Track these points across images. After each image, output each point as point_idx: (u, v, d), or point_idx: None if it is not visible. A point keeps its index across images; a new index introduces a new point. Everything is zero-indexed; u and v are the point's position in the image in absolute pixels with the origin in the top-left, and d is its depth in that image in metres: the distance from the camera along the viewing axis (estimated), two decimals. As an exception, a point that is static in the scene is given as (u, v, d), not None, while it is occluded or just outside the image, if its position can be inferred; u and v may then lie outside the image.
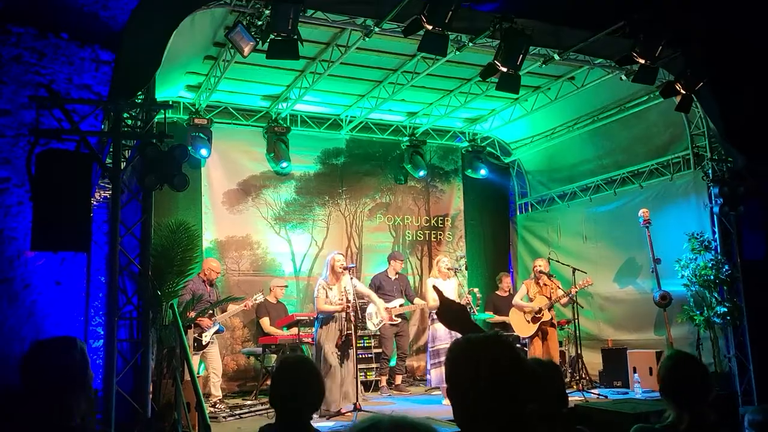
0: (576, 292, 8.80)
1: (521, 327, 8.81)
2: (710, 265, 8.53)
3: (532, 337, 8.77)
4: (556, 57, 8.10)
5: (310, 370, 2.73)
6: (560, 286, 8.93)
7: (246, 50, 6.82)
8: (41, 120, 5.67)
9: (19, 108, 5.87)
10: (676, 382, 2.81)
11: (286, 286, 9.64)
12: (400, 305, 9.31)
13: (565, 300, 8.92)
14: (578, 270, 8.98)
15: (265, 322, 8.98)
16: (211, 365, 8.11)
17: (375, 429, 1.20)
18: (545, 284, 8.92)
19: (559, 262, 9.35)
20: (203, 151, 9.39)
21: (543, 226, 11.88)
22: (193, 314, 7.27)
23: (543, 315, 8.71)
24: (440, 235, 11.73)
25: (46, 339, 2.44)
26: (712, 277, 8.49)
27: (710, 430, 2.74)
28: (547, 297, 8.80)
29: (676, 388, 2.80)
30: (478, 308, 8.87)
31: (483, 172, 11.58)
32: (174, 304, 6.34)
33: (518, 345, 9.21)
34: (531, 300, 8.82)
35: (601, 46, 7.98)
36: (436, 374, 8.03)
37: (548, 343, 8.78)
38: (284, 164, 10.14)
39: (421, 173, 11.13)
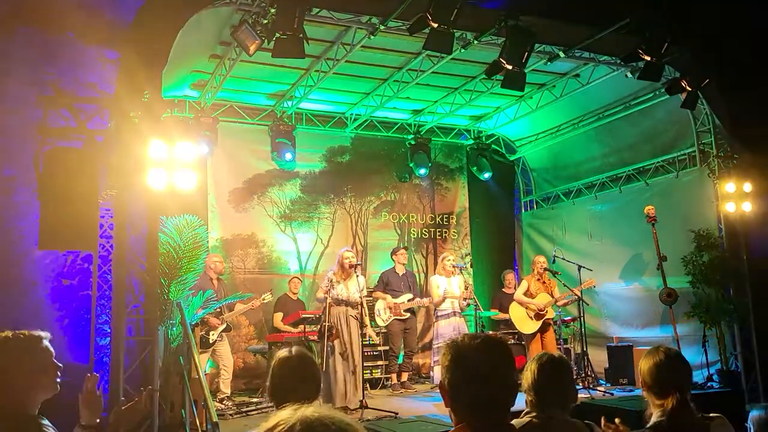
0: (579, 292, 8.72)
1: (524, 323, 8.74)
2: (716, 262, 8.51)
3: (533, 334, 8.72)
4: (562, 54, 8.09)
5: (307, 362, 2.75)
6: (566, 284, 8.90)
7: (251, 49, 6.83)
8: (48, 119, 5.70)
9: (27, 107, 5.90)
10: (660, 372, 2.79)
11: (298, 278, 9.62)
12: (409, 300, 9.31)
13: (562, 302, 8.90)
14: (584, 267, 8.95)
15: (277, 317, 9.02)
16: (221, 362, 8.14)
17: None
18: (545, 281, 8.90)
19: (564, 259, 9.33)
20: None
21: (548, 223, 11.87)
22: (200, 311, 7.29)
23: (547, 312, 8.68)
24: (445, 232, 11.73)
25: None
26: (718, 275, 8.48)
27: (692, 415, 2.74)
28: (548, 294, 8.78)
29: (659, 379, 2.79)
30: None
31: (486, 175, 11.62)
32: (181, 303, 6.36)
33: (521, 342, 9.21)
34: (533, 296, 8.78)
35: (606, 43, 7.97)
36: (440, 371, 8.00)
37: (546, 339, 8.75)
38: (288, 155, 10.10)
39: (422, 171, 11.11)
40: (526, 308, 8.73)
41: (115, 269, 6.05)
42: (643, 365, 2.87)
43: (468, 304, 8.62)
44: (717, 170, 8.85)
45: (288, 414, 1.16)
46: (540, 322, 8.65)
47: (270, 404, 7.81)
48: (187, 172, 6.34)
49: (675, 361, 2.84)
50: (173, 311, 6.35)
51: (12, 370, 2.35)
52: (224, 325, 8.13)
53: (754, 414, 2.92)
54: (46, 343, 2.45)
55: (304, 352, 2.77)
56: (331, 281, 7.54)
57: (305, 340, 8.38)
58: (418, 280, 10.75)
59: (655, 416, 2.78)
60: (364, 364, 7.70)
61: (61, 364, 2.47)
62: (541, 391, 2.71)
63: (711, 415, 2.81)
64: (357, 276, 7.63)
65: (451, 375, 1.86)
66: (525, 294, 8.78)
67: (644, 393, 2.88)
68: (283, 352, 2.76)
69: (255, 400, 8.33)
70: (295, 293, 9.38)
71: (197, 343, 6.98)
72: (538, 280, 8.90)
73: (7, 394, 2.32)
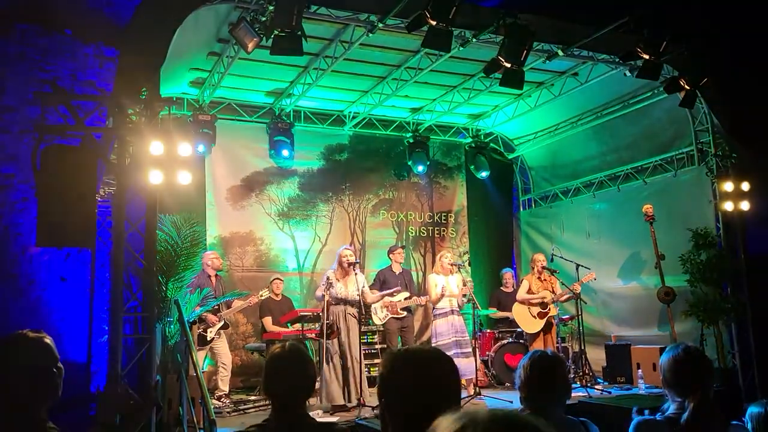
0: (579, 287, 8.73)
1: (527, 322, 8.74)
2: (714, 260, 8.52)
3: (536, 333, 8.71)
4: (560, 53, 8.09)
5: (300, 356, 2.74)
6: (563, 282, 8.90)
7: (249, 46, 6.82)
8: (46, 116, 5.69)
9: (24, 104, 5.89)
10: (680, 368, 2.77)
11: (279, 279, 9.52)
12: (406, 298, 9.28)
13: (565, 297, 8.89)
14: (582, 266, 8.96)
15: (267, 321, 8.94)
16: (220, 360, 8.13)
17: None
18: (545, 279, 8.90)
19: (562, 258, 9.33)
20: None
21: (546, 222, 11.88)
22: (198, 309, 7.28)
23: (550, 310, 8.69)
24: (443, 231, 11.73)
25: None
26: (716, 273, 8.48)
27: (713, 417, 2.73)
28: (550, 291, 8.78)
29: (679, 376, 2.78)
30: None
31: (485, 173, 11.63)
32: (179, 300, 6.35)
33: (522, 341, 9.21)
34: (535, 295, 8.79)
35: (605, 41, 7.97)
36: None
37: (549, 338, 8.76)
38: (286, 153, 10.09)
39: (421, 169, 11.10)
40: (529, 307, 8.72)
41: (113, 266, 6.04)
42: (663, 362, 2.86)
43: (467, 301, 8.60)
44: (715, 169, 8.86)
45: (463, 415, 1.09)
46: (544, 321, 8.64)
47: (268, 402, 7.82)
48: (185, 169, 6.32)
49: (693, 357, 2.80)
50: (171, 309, 6.34)
51: (13, 372, 2.32)
52: (221, 323, 8.12)
53: (752, 411, 2.92)
54: (47, 342, 2.42)
55: (296, 346, 2.76)
56: (330, 280, 7.52)
57: (303, 338, 8.38)
58: (416, 278, 10.74)
59: (671, 409, 2.77)
60: (363, 362, 7.68)
61: (61, 366, 2.43)
62: (534, 388, 2.71)
63: (733, 422, 2.80)
64: (356, 274, 7.61)
65: (386, 386, 1.79)
66: (527, 294, 8.80)
67: (665, 390, 2.86)
68: (276, 348, 2.76)
69: (252, 397, 8.33)
70: (277, 294, 9.27)
71: (195, 340, 6.97)
72: (539, 278, 8.90)
73: (11, 397, 2.31)
